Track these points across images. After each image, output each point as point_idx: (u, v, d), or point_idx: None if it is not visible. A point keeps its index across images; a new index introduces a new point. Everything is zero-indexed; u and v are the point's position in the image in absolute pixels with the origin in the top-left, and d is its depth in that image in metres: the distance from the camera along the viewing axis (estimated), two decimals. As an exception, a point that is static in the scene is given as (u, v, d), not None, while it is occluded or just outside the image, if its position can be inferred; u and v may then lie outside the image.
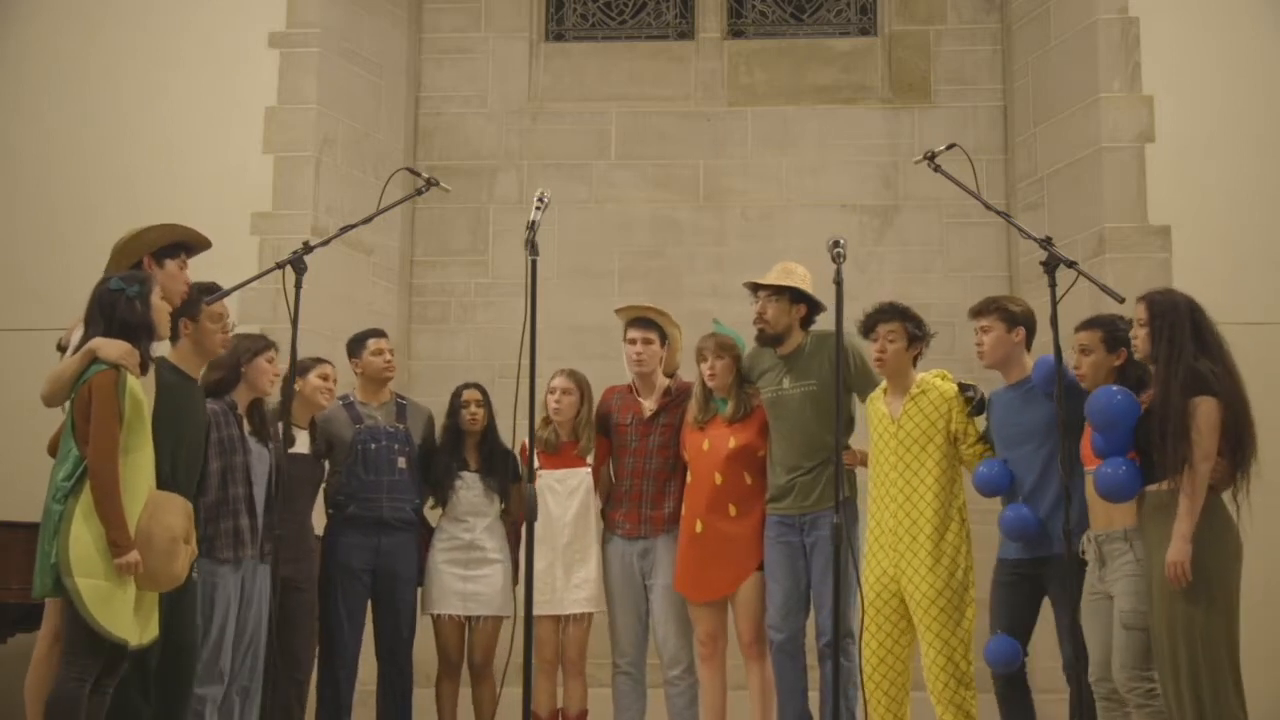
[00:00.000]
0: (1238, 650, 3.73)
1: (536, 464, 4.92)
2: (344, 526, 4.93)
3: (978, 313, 4.48)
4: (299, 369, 4.73)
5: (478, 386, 5.13)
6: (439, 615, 4.99)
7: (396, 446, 4.99)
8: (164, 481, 3.90)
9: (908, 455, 4.43)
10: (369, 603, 4.98)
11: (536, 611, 4.68)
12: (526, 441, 4.14)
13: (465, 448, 5.08)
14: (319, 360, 4.85)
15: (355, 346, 5.15)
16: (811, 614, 4.67)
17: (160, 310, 3.91)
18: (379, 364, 5.09)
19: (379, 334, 5.21)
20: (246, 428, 4.42)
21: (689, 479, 4.85)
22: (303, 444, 4.77)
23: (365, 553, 4.90)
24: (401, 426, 5.06)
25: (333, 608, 4.84)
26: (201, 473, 4.23)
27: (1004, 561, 4.38)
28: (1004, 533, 4.31)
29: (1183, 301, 3.91)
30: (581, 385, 5.06)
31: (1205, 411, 3.72)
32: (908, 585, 4.37)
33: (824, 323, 4.64)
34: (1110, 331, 4.13)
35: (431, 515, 5.18)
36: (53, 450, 3.98)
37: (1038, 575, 4.27)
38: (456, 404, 5.10)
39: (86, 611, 3.57)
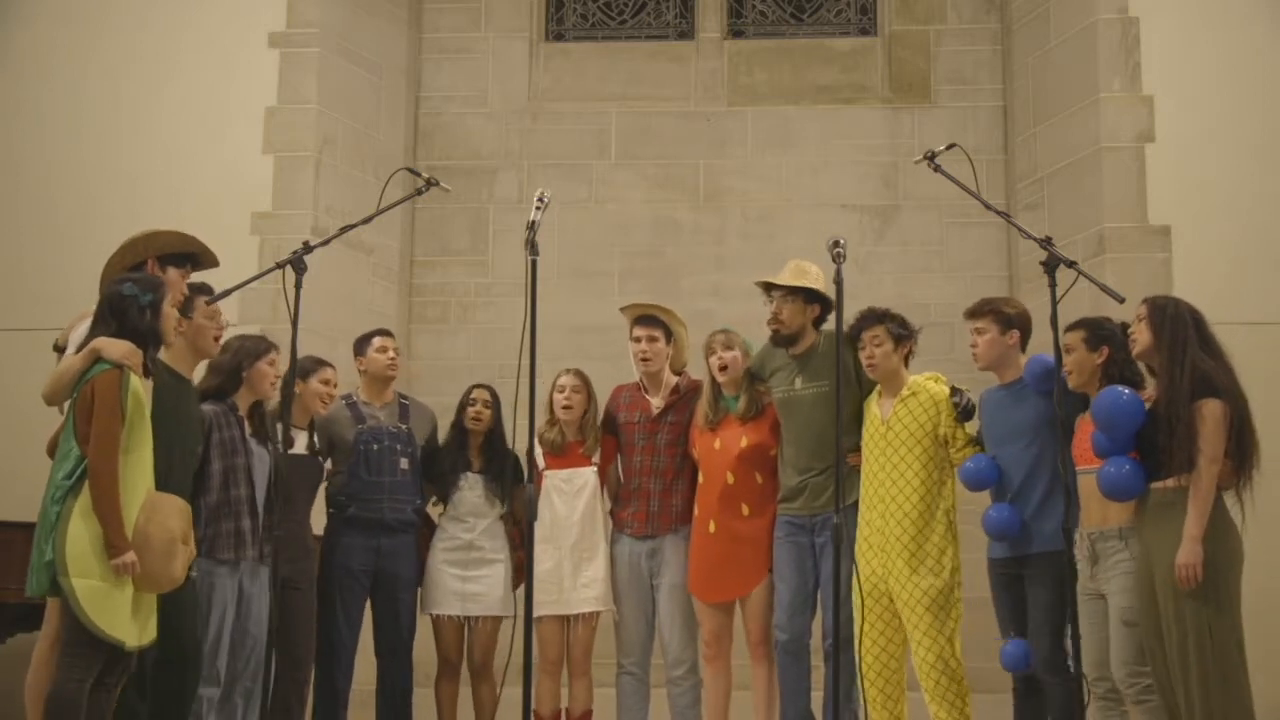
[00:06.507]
0: (1244, 648, 3.73)
1: (542, 464, 4.93)
2: (344, 527, 4.91)
3: (973, 314, 4.47)
4: (301, 370, 4.71)
5: (488, 388, 5.11)
6: (438, 615, 4.97)
7: (399, 447, 4.96)
8: (158, 480, 3.87)
9: (895, 456, 4.43)
10: (368, 603, 4.97)
11: (544, 611, 4.74)
12: (528, 442, 4.14)
13: (470, 448, 5.07)
14: (320, 363, 4.80)
15: (361, 345, 5.13)
16: (818, 615, 4.65)
17: (169, 319, 3.90)
18: (383, 361, 5.06)
19: (385, 333, 5.19)
20: (248, 429, 4.40)
21: (700, 479, 4.83)
22: (301, 445, 4.74)
23: (366, 554, 4.88)
24: (404, 427, 5.03)
25: (331, 609, 4.82)
26: (203, 474, 4.22)
27: (992, 562, 4.38)
28: (987, 532, 4.31)
29: (1184, 304, 3.94)
30: (588, 384, 5.05)
31: (1211, 414, 3.72)
32: (895, 586, 4.37)
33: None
34: (1093, 330, 4.13)
35: (434, 513, 5.17)
36: (51, 451, 3.96)
37: (1020, 574, 4.26)
38: (464, 402, 5.09)
39: (82, 612, 3.55)
